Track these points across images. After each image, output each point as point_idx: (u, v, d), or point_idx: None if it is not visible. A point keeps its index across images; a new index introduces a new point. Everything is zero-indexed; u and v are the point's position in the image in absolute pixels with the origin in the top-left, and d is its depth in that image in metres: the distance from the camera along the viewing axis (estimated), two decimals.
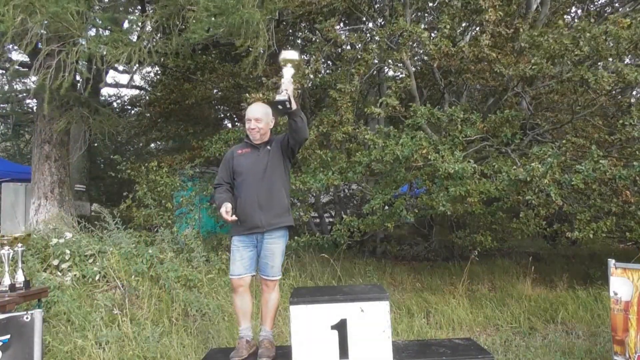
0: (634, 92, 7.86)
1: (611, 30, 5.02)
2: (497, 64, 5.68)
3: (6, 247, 3.59)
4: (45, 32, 4.94)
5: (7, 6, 4.29)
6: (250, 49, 5.47)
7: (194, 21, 4.80)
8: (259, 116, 3.24)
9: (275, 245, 3.17)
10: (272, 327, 3.27)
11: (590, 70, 5.24)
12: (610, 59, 5.43)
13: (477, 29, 7.49)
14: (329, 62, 8.69)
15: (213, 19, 4.73)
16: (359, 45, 6.98)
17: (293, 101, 2.97)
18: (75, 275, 4.78)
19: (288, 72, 3.02)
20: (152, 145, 15.34)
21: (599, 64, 5.65)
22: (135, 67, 5.96)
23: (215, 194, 3.36)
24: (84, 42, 5.10)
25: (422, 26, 6.37)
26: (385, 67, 8.03)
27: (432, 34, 7.03)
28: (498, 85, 6.64)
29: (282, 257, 3.22)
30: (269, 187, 3.15)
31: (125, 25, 8.50)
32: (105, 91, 13.39)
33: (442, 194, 5.21)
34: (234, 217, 3.07)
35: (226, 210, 3.06)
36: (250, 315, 3.27)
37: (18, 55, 8.77)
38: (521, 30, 5.89)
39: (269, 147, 3.27)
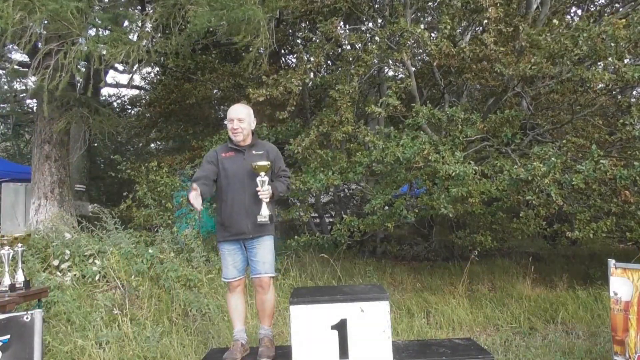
0: (634, 92, 7.86)
1: (608, 30, 5.01)
2: (497, 63, 5.67)
3: (6, 247, 3.59)
4: (44, 32, 4.93)
5: (6, 2, 4.27)
6: (250, 47, 5.47)
7: (194, 14, 4.78)
8: (241, 116, 3.16)
9: (265, 243, 3.14)
10: (271, 325, 3.27)
11: (589, 70, 5.24)
12: (610, 59, 5.43)
13: (477, 29, 7.50)
14: (329, 62, 8.68)
15: (214, 13, 4.71)
16: (359, 45, 6.98)
17: (269, 202, 3.06)
18: (75, 275, 4.78)
19: (263, 180, 3.02)
20: (152, 145, 15.33)
21: (599, 63, 5.65)
22: (135, 67, 5.94)
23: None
24: (83, 42, 5.09)
25: (422, 26, 6.35)
26: (385, 67, 8.03)
27: (432, 34, 7.03)
28: (498, 85, 6.64)
29: (272, 254, 3.19)
30: (255, 192, 3.06)
31: (125, 24, 8.51)
32: (105, 91, 13.39)
33: (444, 195, 5.21)
34: (200, 208, 2.89)
35: (194, 194, 2.84)
36: (244, 317, 3.28)
37: (18, 55, 8.77)
38: (521, 28, 5.88)
39: (254, 152, 3.18)
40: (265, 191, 3.03)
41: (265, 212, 3.05)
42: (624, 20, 5.11)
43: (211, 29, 5.43)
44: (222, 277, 3.25)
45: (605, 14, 7.69)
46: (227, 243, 3.15)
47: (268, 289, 3.15)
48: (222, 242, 3.18)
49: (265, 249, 3.13)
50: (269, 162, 3.07)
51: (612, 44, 5.09)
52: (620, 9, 7.65)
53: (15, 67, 6.50)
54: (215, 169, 3.18)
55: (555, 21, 5.91)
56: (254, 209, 3.07)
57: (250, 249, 3.14)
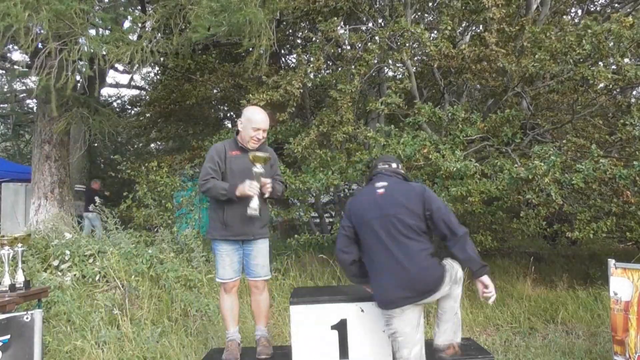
0: (634, 92, 7.86)
1: (614, 29, 5.00)
2: (500, 58, 5.64)
3: (6, 247, 3.59)
4: (45, 32, 4.93)
5: (12, 1, 4.28)
6: (252, 49, 5.47)
7: (195, 19, 4.78)
8: (267, 126, 3.16)
9: (263, 245, 3.19)
10: (266, 325, 3.31)
11: (590, 69, 5.23)
12: (611, 59, 5.42)
13: (477, 29, 7.49)
14: (329, 62, 8.69)
15: (214, 18, 4.71)
16: (360, 45, 6.98)
17: (257, 199, 2.92)
18: (75, 275, 4.78)
19: (259, 172, 2.95)
20: (152, 145, 15.35)
21: (600, 63, 5.64)
22: (135, 67, 5.95)
23: (210, 186, 3.03)
24: (84, 42, 5.09)
25: (422, 26, 6.35)
26: (386, 67, 8.02)
27: (432, 34, 7.04)
28: (498, 85, 6.64)
29: (268, 257, 3.24)
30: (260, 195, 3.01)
31: (126, 24, 8.51)
32: (105, 91, 13.40)
33: (444, 194, 5.21)
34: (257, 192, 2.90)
35: (249, 185, 2.88)
36: (238, 318, 3.29)
37: (17, 55, 8.77)
38: (527, 29, 5.87)
39: (259, 153, 3.11)
40: (255, 187, 2.90)
41: (254, 205, 2.91)
42: (631, 19, 5.08)
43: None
44: (217, 277, 3.21)
45: (606, 14, 7.69)
46: (226, 243, 3.12)
47: (264, 289, 3.23)
48: (219, 240, 3.13)
49: (263, 251, 3.18)
50: (267, 155, 3.03)
51: (615, 44, 5.07)
52: (620, 10, 7.65)
53: (16, 67, 6.51)
54: (222, 170, 3.10)
55: (565, 18, 5.90)
56: (259, 210, 3.02)
57: (249, 251, 3.15)
